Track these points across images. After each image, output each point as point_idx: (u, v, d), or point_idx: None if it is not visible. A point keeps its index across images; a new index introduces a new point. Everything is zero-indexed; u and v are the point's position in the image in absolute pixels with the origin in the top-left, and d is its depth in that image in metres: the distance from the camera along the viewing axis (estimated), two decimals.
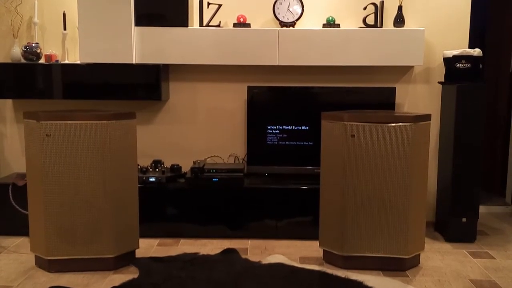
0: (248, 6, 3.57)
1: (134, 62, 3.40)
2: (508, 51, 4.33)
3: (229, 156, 3.73)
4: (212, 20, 3.49)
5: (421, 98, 3.65)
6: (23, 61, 3.49)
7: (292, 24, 3.49)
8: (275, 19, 3.51)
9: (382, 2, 3.50)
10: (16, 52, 3.51)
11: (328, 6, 3.57)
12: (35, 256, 2.88)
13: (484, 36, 4.47)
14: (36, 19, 3.55)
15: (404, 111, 3.52)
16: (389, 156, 2.71)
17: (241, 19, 3.48)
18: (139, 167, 3.45)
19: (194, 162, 3.52)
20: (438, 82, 3.56)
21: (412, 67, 3.62)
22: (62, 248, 2.75)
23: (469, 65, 3.32)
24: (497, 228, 3.67)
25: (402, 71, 3.63)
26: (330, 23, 3.47)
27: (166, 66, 3.56)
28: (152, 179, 3.36)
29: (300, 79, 3.63)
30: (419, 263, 2.95)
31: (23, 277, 2.75)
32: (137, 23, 3.39)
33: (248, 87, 3.53)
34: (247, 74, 3.64)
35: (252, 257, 3.04)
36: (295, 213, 3.36)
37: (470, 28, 3.57)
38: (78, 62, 3.46)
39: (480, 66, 3.35)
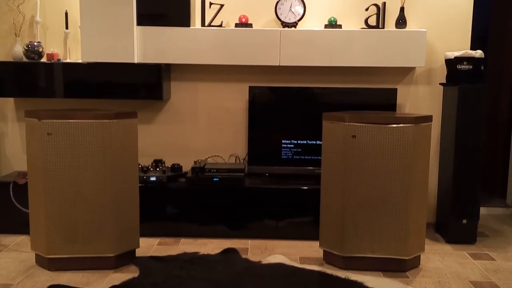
0: (250, 6, 3.58)
1: (135, 61, 3.40)
2: (510, 52, 4.33)
3: (230, 156, 3.73)
4: (214, 20, 3.49)
5: (423, 99, 3.65)
6: (25, 59, 3.49)
7: (294, 24, 3.49)
8: (277, 19, 3.51)
9: (384, 3, 3.50)
10: (18, 50, 3.51)
11: (330, 7, 3.57)
12: (36, 254, 2.89)
13: (486, 37, 4.47)
14: (38, 18, 3.55)
15: (406, 112, 3.51)
16: (390, 157, 2.71)
17: (243, 19, 3.48)
18: (140, 166, 3.45)
19: (195, 162, 3.53)
20: (440, 84, 3.56)
21: (413, 68, 3.62)
22: (63, 247, 2.75)
23: (470, 66, 3.32)
24: (498, 230, 3.67)
25: (404, 72, 3.63)
26: (332, 24, 3.47)
27: (168, 66, 3.56)
28: (153, 179, 3.36)
29: (301, 80, 3.63)
30: (419, 264, 2.95)
31: (23, 275, 2.75)
32: (139, 23, 3.39)
33: (250, 87, 3.54)
34: (248, 74, 3.64)
35: (252, 257, 3.04)
36: (296, 213, 3.36)
37: (472, 30, 3.57)
38: (80, 61, 3.47)
39: (482, 68, 3.34)
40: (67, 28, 3.57)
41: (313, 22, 3.58)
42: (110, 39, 3.36)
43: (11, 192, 3.34)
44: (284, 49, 3.41)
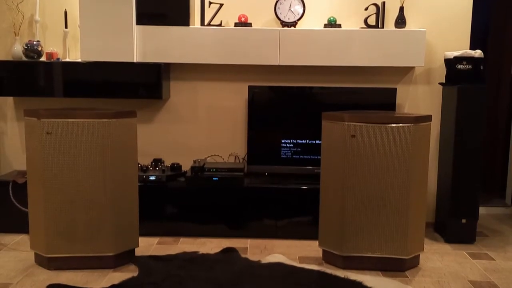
0: (250, 5, 3.58)
1: (135, 60, 3.40)
2: (509, 52, 4.33)
3: (229, 155, 3.73)
4: (214, 19, 3.49)
5: (422, 99, 3.65)
6: (24, 58, 3.49)
7: (294, 24, 3.49)
8: (276, 19, 3.51)
9: (384, 3, 3.50)
10: (17, 49, 3.51)
11: (329, 6, 3.57)
12: (35, 253, 2.88)
13: (485, 37, 4.47)
14: (37, 17, 3.55)
15: (405, 112, 3.52)
16: (389, 157, 2.71)
17: (243, 19, 3.48)
18: (139, 165, 3.45)
19: (195, 161, 3.53)
20: (439, 83, 3.57)
21: (413, 68, 3.62)
22: (62, 246, 2.75)
23: (470, 66, 3.32)
24: (497, 230, 3.67)
25: (403, 72, 3.63)
26: (332, 23, 3.47)
27: (167, 65, 3.56)
28: (152, 178, 3.36)
29: (301, 79, 3.63)
30: (418, 263, 2.95)
31: (22, 274, 2.75)
32: (139, 22, 3.39)
33: (249, 86, 3.54)
34: (248, 73, 3.64)
35: (252, 256, 3.04)
36: (295, 213, 3.36)
37: (471, 29, 3.57)
38: (79, 60, 3.46)
39: (481, 68, 3.35)
40: (66, 27, 3.57)
41: (313, 22, 3.57)
42: (110, 38, 3.36)
43: (10, 191, 3.33)
44: (283, 48, 3.41)
